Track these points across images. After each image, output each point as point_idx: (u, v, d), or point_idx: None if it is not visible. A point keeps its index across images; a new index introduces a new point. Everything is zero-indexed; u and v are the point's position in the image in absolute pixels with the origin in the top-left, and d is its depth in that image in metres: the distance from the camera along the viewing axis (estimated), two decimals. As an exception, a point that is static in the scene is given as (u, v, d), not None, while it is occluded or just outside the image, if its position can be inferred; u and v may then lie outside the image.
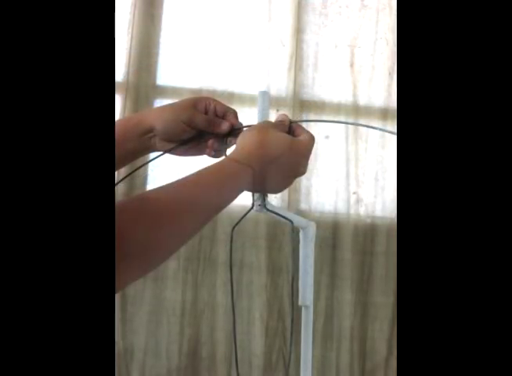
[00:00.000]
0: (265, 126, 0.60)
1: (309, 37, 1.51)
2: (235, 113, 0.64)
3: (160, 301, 1.41)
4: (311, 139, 0.60)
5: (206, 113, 0.63)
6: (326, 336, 1.41)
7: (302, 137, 0.60)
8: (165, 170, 1.32)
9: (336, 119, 1.49)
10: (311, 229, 0.70)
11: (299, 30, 1.51)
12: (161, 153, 0.65)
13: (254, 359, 1.40)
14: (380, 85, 1.50)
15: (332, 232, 1.44)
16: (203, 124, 0.61)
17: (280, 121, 0.61)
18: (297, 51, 1.49)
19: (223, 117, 0.63)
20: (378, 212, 1.46)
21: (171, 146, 0.63)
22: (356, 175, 1.46)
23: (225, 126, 0.62)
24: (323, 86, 1.50)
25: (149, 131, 0.61)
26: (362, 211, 1.46)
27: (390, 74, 1.50)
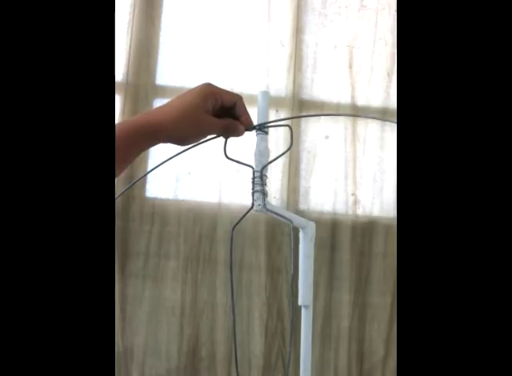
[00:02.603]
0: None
1: (308, 37, 1.52)
2: (241, 106, 0.63)
3: (160, 301, 1.41)
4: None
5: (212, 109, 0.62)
6: (324, 336, 1.41)
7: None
8: (165, 169, 1.31)
9: (335, 119, 1.49)
10: (311, 229, 0.70)
11: (298, 31, 1.50)
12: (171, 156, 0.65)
13: (254, 359, 1.40)
14: (379, 86, 1.50)
15: (330, 232, 1.44)
16: (211, 128, 0.61)
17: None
18: (296, 51, 1.49)
19: (230, 111, 0.63)
20: (376, 213, 1.46)
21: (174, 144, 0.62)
22: (354, 176, 1.46)
23: (241, 131, 0.63)
24: (322, 87, 1.50)
25: (156, 133, 0.58)
26: (360, 212, 1.46)
27: (388, 75, 1.50)
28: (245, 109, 0.63)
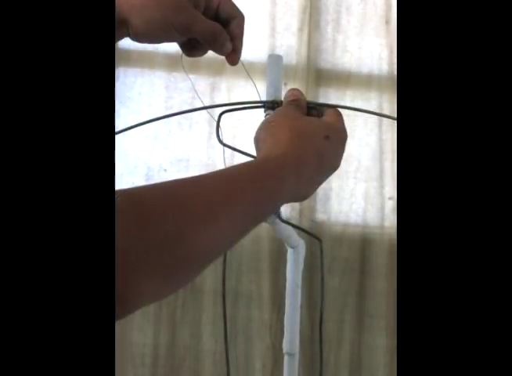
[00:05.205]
0: (289, 115, 0.58)
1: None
2: (239, 27, 0.62)
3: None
4: (340, 115, 0.59)
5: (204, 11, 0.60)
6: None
7: (329, 118, 0.59)
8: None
9: (365, 96, 1.49)
10: (302, 248, 0.72)
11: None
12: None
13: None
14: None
15: (359, 252, 1.45)
16: (204, 35, 0.60)
17: (295, 101, 0.60)
18: (311, 2, 1.49)
19: (227, 24, 0.62)
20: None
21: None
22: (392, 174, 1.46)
23: (228, 49, 0.61)
24: (348, 51, 1.50)
25: (120, 26, 0.57)
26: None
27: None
28: (243, 32, 0.61)
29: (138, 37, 0.59)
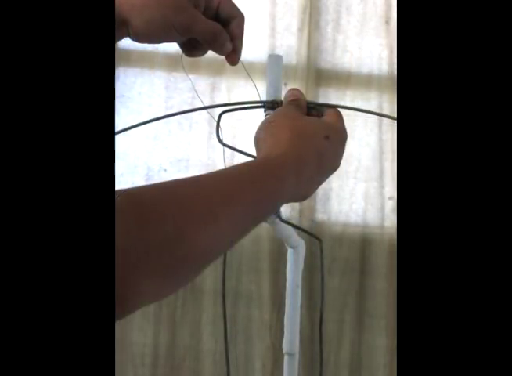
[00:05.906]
0: (289, 115, 0.58)
1: (329, -17, 1.52)
2: (239, 27, 0.62)
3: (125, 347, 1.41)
4: (340, 116, 0.59)
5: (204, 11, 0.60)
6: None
7: (329, 118, 0.59)
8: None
9: (365, 96, 1.49)
10: (302, 248, 0.72)
11: (315, -26, 1.51)
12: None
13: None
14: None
15: (359, 252, 1.45)
16: (204, 35, 0.60)
17: (295, 101, 0.60)
18: (311, 2, 1.49)
19: (227, 24, 0.62)
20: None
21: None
22: (392, 174, 1.46)
23: (228, 49, 0.61)
24: (348, 51, 1.50)
25: (121, 26, 0.58)
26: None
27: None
28: (243, 32, 0.62)
29: (138, 37, 0.59)
